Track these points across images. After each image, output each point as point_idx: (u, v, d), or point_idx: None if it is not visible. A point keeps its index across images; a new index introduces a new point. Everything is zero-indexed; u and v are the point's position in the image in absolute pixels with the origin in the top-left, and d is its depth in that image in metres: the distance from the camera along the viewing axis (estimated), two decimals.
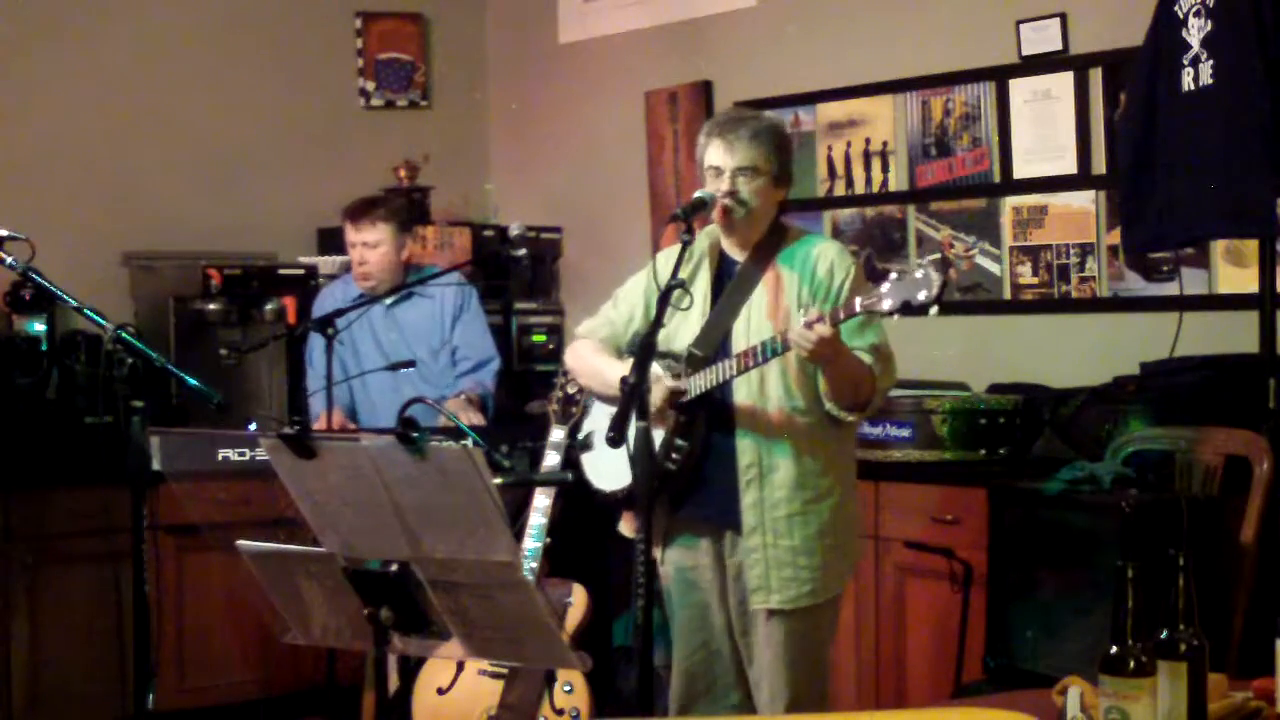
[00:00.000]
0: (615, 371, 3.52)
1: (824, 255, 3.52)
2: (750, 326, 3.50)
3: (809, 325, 3.21)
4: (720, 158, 3.49)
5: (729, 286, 3.58)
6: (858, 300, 3.19)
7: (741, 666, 3.62)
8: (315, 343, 4.98)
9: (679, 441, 3.50)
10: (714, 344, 3.52)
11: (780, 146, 3.54)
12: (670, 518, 3.61)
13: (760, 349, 3.37)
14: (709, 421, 3.52)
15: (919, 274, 3.08)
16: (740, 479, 3.50)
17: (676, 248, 3.50)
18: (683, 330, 3.57)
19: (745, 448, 3.50)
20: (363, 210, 5.06)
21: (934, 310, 3.06)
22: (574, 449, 3.96)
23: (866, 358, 3.41)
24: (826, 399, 3.46)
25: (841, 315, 3.23)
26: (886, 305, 3.12)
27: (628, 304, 3.75)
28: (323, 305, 5.12)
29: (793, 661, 3.51)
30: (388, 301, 5.13)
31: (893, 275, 3.13)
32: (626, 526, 3.75)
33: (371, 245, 5.03)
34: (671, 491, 3.54)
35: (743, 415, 3.50)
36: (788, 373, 3.47)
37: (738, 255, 3.60)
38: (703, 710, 3.62)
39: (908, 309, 3.10)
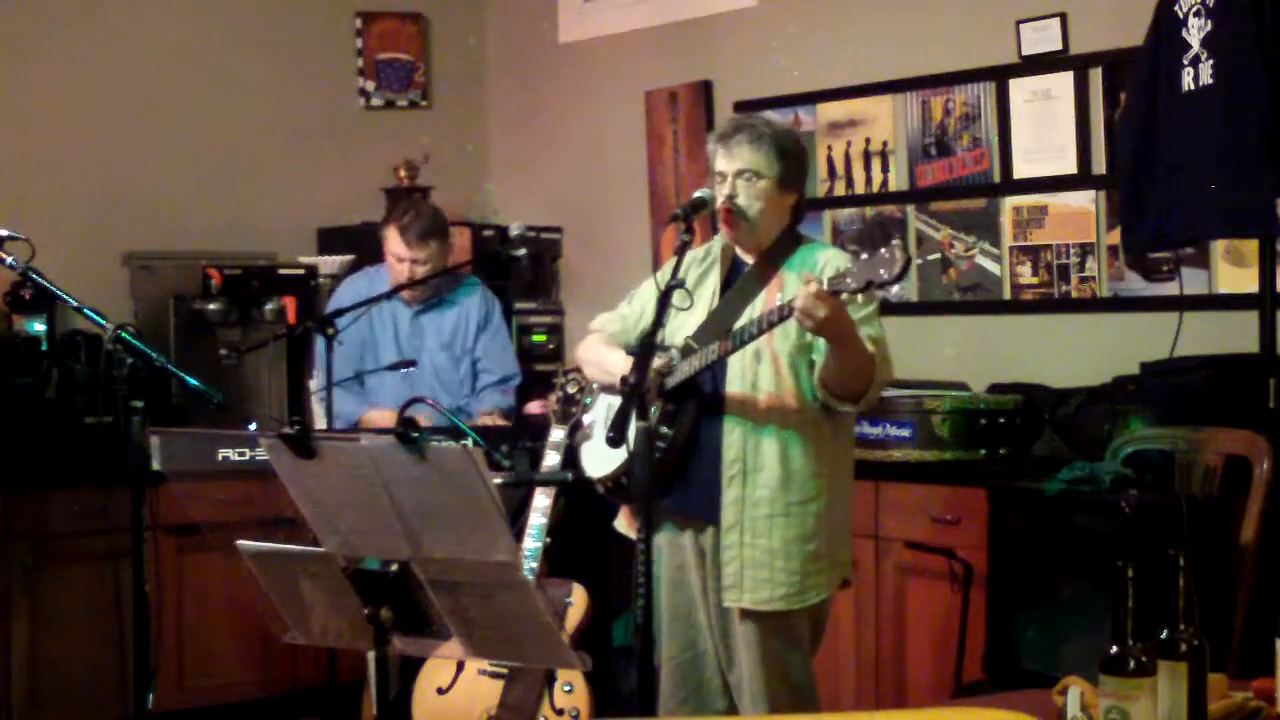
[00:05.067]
0: (616, 360, 3.57)
1: (831, 261, 3.52)
2: None
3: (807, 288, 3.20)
4: (722, 163, 3.53)
5: (734, 286, 3.60)
6: (825, 279, 3.20)
7: (724, 669, 3.62)
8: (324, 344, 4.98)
9: (664, 430, 3.50)
10: (711, 339, 3.52)
11: (785, 152, 3.53)
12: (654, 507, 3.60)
13: (740, 333, 3.38)
14: (698, 414, 3.52)
15: (884, 253, 3.10)
16: (724, 474, 3.50)
17: (699, 249, 3.58)
18: (687, 326, 3.58)
19: (732, 443, 3.50)
20: (421, 232, 5.00)
21: (896, 289, 3.09)
22: (574, 437, 3.97)
23: (870, 346, 3.41)
24: (822, 387, 3.44)
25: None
26: (852, 283, 3.14)
27: (640, 301, 3.78)
28: (341, 299, 5.10)
29: (770, 667, 3.50)
30: (415, 309, 5.15)
31: (862, 256, 3.15)
32: (623, 523, 3.75)
33: (422, 263, 5.02)
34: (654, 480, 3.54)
35: (732, 409, 3.50)
36: (779, 370, 3.47)
37: (749, 259, 3.62)
38: (691, 710, 3.62)
39: (871, 287, 3.12)
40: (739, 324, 3.47)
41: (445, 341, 5.19)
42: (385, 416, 4.96)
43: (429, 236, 5.01)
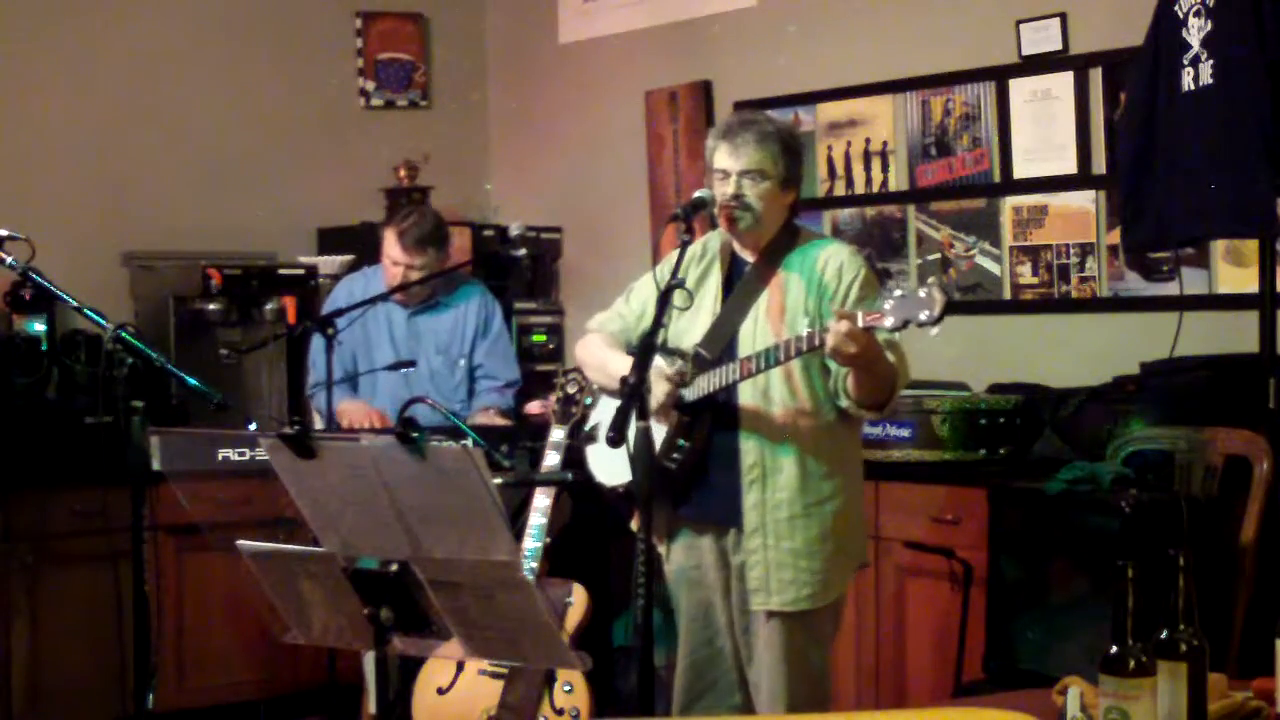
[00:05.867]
0: (619, 364, 3.54)
1: (833, 258, 3.52)
2: (757, 329, 3.50)
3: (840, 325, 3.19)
4: (726, 161, 3.50)
5: (737, 288, 3.59)
6: (860, 315, 3.19)
7: (743, 665, 3.62)
8: (319, 343, 4.97)
9: (681, 441, 3.50)
10: (721, 345, 3.52)
11: (787, 149, 3.53)
12: (671, 516, 3.61)
13: (763, 356, 3.38)
14: (713, 421, 3.52)
15: (923, 293, 3.10)
16: (743, 479, 3.50)
17: (696, 245, 3.57)
18: (692, 329, 3.58)
19: (749, 449, 3.50)
20: (418, 238, 4.96)
21: (934, 331, 3.08)
22: (578, 440, 3.97)
23: (889, 355, 3.41)
24: (847, 396, 3.44)
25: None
26: (888, 323, 3.14)
27: (640, 299, 3.76)
28: (336, 300, 5.09)
29: (792, 664, 3.51)
30: (410, 310, 5.14)
31: (897, 292, 3.14)
32: (638, 523, 3.75)
33: (417, 269, 5.01)
34: (672, 491, 3.54)
35: (747, 416, 3.50)
36: (791, 375, 3.47)
37: (749, 257, 3.61)
38: (705, 708, 3.62)
39: (908, 326, 3.13)
40: (746, 343, 3.46)
41: (442, 345, 5.17)
42: (358, 408, 4.96)
43: (426, 244, 4.99)
